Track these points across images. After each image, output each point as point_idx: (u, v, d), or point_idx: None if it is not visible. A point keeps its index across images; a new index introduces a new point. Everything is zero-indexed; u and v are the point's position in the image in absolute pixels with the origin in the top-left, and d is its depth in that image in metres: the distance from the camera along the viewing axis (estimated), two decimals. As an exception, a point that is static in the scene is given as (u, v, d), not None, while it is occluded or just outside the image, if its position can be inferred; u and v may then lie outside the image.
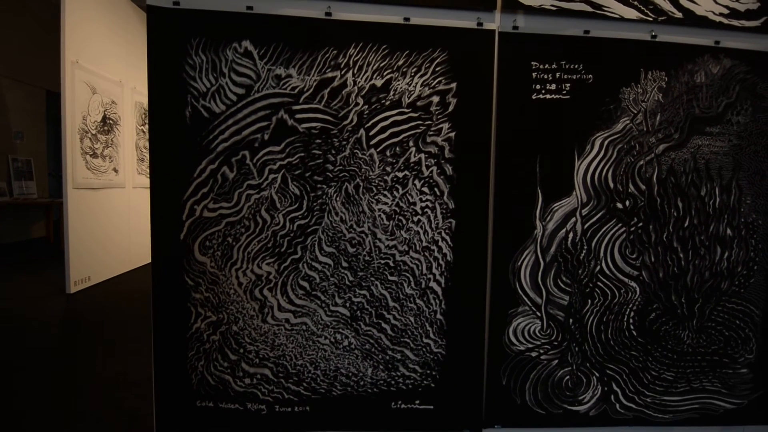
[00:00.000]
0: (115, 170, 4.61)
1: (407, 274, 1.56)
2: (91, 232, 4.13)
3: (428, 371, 1.60)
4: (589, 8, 1.56)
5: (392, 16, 1.49)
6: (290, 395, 1.55)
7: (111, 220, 4.52)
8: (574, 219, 1.61)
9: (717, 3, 1.64)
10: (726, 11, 1.64)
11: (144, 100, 5.25)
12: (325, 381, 1.56)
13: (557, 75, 1.58)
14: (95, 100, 4.19)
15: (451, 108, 1.53)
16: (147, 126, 5.28)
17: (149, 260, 1.49)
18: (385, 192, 1.53)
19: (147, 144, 5.25)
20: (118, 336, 2.88)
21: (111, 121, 4.50)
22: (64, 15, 3.71)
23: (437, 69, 1.52)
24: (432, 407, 1.61)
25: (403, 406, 1.60)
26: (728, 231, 1.68)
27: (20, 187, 5.88)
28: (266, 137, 1.47)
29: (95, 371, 2.33)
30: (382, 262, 1.55)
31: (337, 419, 1.58)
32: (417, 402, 1.61)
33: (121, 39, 4.79)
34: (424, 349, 1.59)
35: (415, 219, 1.55)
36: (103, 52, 4.38)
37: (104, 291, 4.00)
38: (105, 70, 4.37)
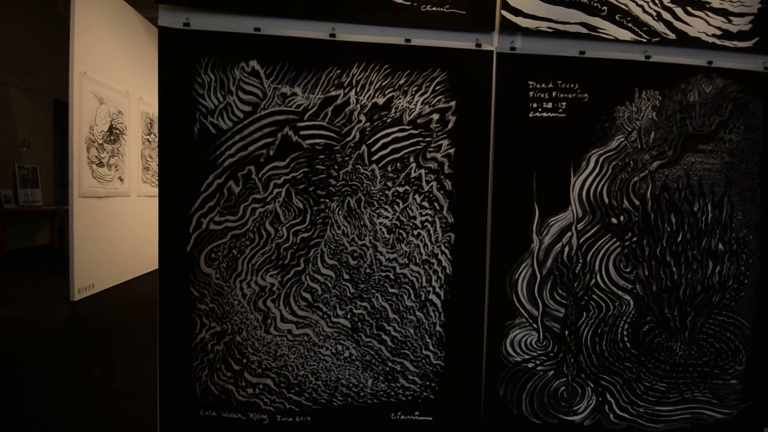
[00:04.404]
0: (121, 179, 4.67)
1: (407, 287, 1.60)
2: (95, 240, 4.18)
3: (428, 383, 1.63)
4: (584, 30, 1.62)
5: (394, 37, 1.54)
6: (292, 405, 1.59)
7: (115, 228, 4.57)
8: (569, 233, 1.65)
9: (710, 24, 1.69)
10: (719, 32, 1.70)
11: (150, 110, 5.33)
12: (326, 392, 1.60)
13: (554, 94, 1.63)
14: (102, 110, 4.26)
15: (450, 125, 1.58)
16: (152, 135, 5.35)
17: (153, 268, 1.53)
18: (386, 206, 1.58)
19: (152, 153, 5.33)
20: (122, 344, 2.91)
21: (117, 131, 4.57)
22: (73, 26, 3.78)
23: (437, 88, 1.57)
24: (431, 418, 1.64)
25: (402, 417, 1.63)
26: (720, 246, 1.72)
27: (26, 194, 5.94)
28: (271, 153, 1.52)
29: (99, 379, 2.36)
30: (383, 274, 1.59)
31: (338, 430, 1.61)
32: (416, 413, 1.64)
33: (129, 49, 4.87)
34: (423, 361, 1.63)
35: (415, 233, 1.60)
36: (111, 63, 4.46)
37: (108, 299, 4.04)
38: (112, 81, 4.45)
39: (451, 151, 1.59)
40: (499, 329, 1.65)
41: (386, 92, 1.55)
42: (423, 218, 1.60)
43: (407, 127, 1.57)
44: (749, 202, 1.73)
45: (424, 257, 1.60)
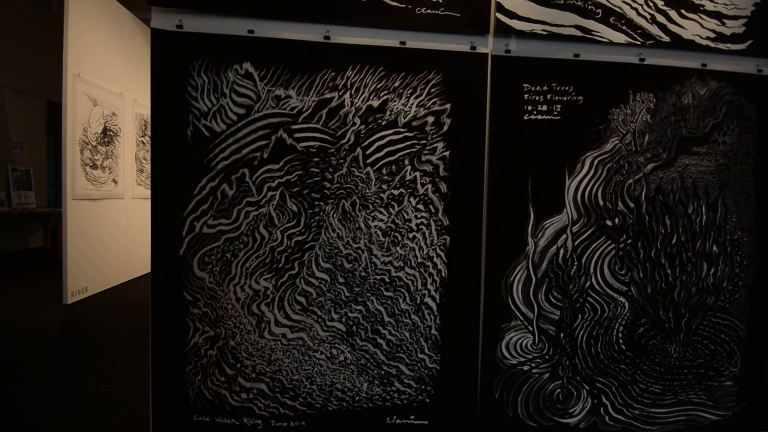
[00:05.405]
0: (115, 181, 4.64)
1: (402, 290, 1.60)
2: (89, 243, 4.15)
3: (423, 386, 1.63)
4: (578, 33, 1.62)
5: (389, 39, 1.54)
6: (286, 410, 1.57)
7: (109, 230, 4.54)
8: (564, 236, 1.65)
9: (703, 27, 1.70)
10: (712, 35, 1.70)
11: (144, 111, 5.30)
12: (321, 396, 1.59)
13: (548, 96, 1.63)
14: (96, 112, 4.23)
15: (445, 128, 1.58)
16: (147, 137, 5.32)
17: (147, 270, 1.52)
18: (381, 209, 1.57)
19: (147, 155, 5.30)
20: (115, 348, 2.89)
21: (111, 133, 4.54)
22: (67, 28, 3.76)
23: (432, 90, 1.56)
24: (427, 422, 1.63)
25: (398, 421, 1.62)
26: (714, 248, 1.73)
27: (19, 196, 5.89)
28: (265, 156, 1.51)
29: (92, 383, 2.34)
30: (378, 277, 1.58)
31: (333, 433, 1.61)
32: (412, 417, 1.63)
33: (123, 51, 4.84)
34: (419, 365, 1.62)
35: (411, 235, 1.59)
36: (105, 65, 4.43)
37: (101, 302, 4.00)
38: (106, 83, 4.42)
39: (446, 153, 1.58)
40: (494, 332, 1.64)
41: (381, 95, 1.54)
42: (418, 221, 1.59)
43: (402, 130, 1.56)
44: (743, 204, 1.74)
45: (420, 260, 1.60)
